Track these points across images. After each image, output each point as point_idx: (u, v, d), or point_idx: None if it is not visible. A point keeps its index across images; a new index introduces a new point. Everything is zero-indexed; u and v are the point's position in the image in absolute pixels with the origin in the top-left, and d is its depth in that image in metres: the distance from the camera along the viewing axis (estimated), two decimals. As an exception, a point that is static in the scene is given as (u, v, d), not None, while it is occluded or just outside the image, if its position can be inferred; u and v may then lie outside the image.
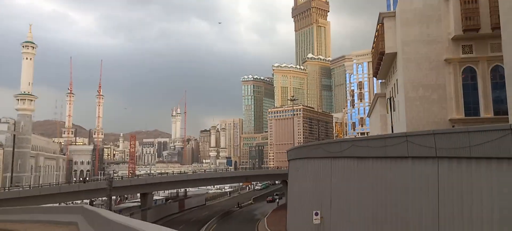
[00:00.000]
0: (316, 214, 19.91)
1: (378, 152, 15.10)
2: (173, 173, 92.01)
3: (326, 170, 20.14)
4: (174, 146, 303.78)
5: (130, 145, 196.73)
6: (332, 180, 19.28)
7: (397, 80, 43.66)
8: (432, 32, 38.26)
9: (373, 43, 53.38)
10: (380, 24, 44.92)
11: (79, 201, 73.35)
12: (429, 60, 38.09)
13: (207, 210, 74.70)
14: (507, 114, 35.83)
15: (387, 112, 31.46)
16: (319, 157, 21.40)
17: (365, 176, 16.11)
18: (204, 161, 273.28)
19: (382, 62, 47.86)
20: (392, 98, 30.14)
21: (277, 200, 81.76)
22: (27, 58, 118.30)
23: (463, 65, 37.36)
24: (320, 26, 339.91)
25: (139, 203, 68.47)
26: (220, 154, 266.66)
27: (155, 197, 76.43)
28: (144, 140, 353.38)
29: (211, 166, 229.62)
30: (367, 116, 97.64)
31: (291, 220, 38.42)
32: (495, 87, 37.27)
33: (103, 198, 71.18)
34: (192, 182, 72.87)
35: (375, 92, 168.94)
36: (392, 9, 52.07)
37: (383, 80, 56.85)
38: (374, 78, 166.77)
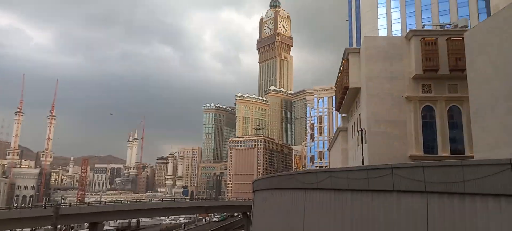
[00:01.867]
0: (288, 248, 18.66)
1: (359, 184, 14.22)
2: (127, 201, 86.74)
3: (299, 202, 19.01)
4: (128, 172, 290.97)
5: (82, 169, 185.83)
6: (306, 213, 18.13)
7: (360, 115, 44.36)
8: (394, 69, 39.37)
9: (337, 77, 54.39)
10: (345, 60, 45.90)
11: (19, 230, 66.93)
12: (391, 97, 38.95)
13: (162, 242, 70.61)
14: (463, 153, 37.25)
15: (358, 145, 31.34)
16: (292, 188, 20.28)
17: (344, 210, 15.14)
18: (159, 189, 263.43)
19: (346, 97, 48.64)
20: (363, 131, 30.06)
21: None
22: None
23: (422, 103, 38.52)
24: (284, 59, 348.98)
25: (87, 234, 63.51)
26: (176, 183, 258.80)
27: (106, 227, 71.37)
28: (97, 165, 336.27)
29: (167, 195, 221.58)
30: (328, 150, 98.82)
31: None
32: (452, 127, 38.60)
33: (47, 227, 65.39)
34: (149, 211, 68.76)
35: (334, 126, 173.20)
36: (353, 47, 53.79)
37: (346, 115, 57.81)
38: (335, 112, 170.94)
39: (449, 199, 10.13)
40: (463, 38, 26.45)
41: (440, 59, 37.58)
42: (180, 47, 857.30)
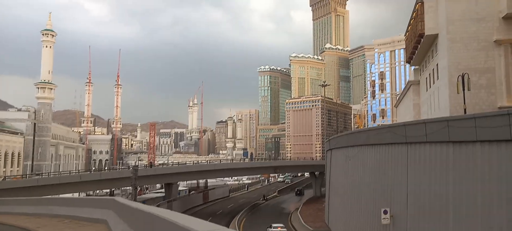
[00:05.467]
0: (385, 212, 17.14)
1: (495, 133, 11.70)
2: (197, 162, 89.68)
3: (399, 159, 16.93)
4: (191, 136, 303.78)
5: (150, 134, 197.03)
6: (410, 171, 16.17)
7: (437, 64, 40.62)
8: (481, 9, 35.10)
9: (409, 25, 50.20)
10: (419, 4, 41.81)
11: (98, 191, 72.61)
12: (477, 41, 34.99)
13: (232, 202, 72.51)
14: None
15: (458, 93, 28.38)
16: (387, 143, 18.24)
17: (469, 165, 12.83)
18: (220, 152, 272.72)
19: (420, 46, 44.80)
20: (466, 75, 27.00)
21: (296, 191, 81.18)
22: (47, 46, 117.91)
23: (516, 47, 34.08)
24: (339, 15, 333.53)
25: (162, 194, 66.84)
26: (236, 145, 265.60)
27: (179, 188, 74.66)
28: (161, 130, 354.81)
29: (228, 157, 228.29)
30: (395, 106, 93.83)
31: (335, 217, 35.23)
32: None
33: (125, 188, 70.03)
34: (219, 172, 70.59)
35: (397, 82, 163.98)
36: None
37: (418, 67, 53.65)
38: (398, 68, 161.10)
39: None
40: None
41: (538, -6, 32.61)
42: (230, 10, 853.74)
